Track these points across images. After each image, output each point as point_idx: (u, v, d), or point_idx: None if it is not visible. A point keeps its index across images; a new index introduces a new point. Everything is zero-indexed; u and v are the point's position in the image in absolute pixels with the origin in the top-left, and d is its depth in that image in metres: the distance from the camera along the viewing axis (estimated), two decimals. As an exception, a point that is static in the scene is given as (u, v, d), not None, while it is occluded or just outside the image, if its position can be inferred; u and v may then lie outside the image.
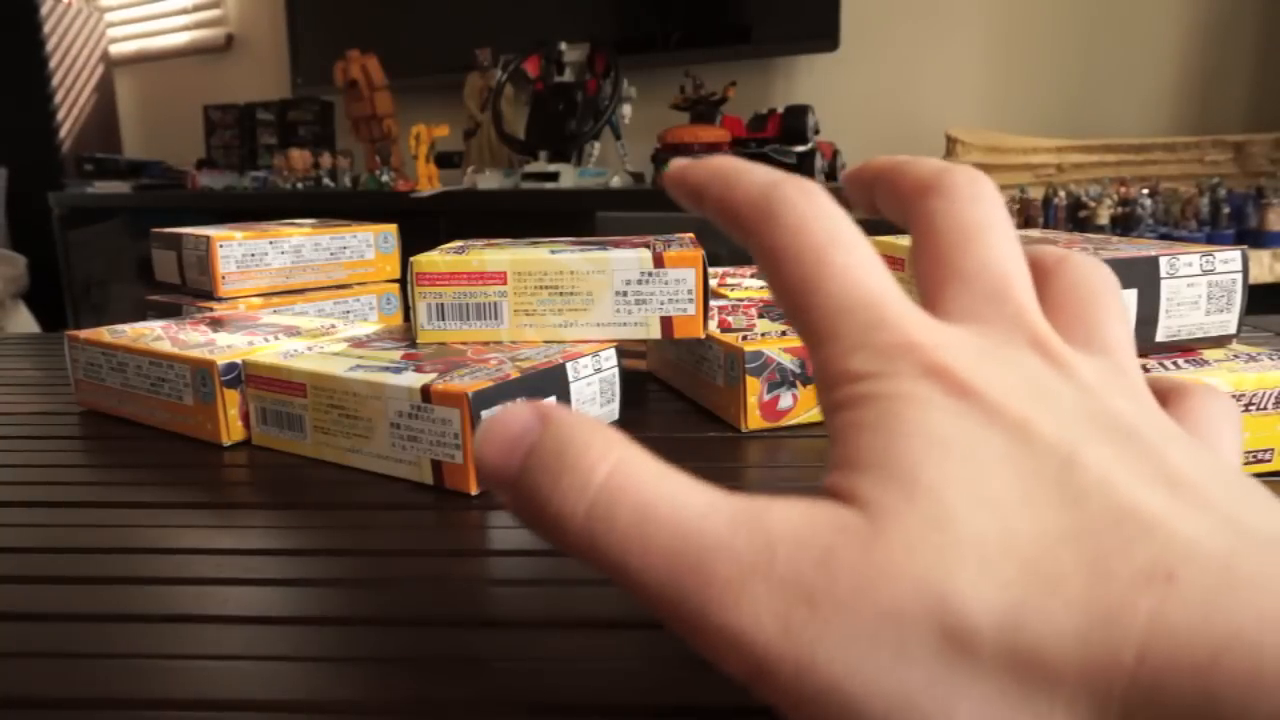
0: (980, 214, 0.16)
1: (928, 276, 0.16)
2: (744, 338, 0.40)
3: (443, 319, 0.40)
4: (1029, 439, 0.13)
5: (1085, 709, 0.11)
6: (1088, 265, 0.18)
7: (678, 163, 0.18)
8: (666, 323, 0.40)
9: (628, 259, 0.39)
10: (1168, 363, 0.34)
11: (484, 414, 0.14)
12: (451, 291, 0.40)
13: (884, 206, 0.18)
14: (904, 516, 0.12)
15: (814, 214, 0.15)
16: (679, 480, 0.13)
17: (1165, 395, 0.17)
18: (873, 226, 0.20)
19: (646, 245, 0.41)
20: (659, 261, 0.39)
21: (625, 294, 0.40)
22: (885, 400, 0.13)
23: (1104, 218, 1.45)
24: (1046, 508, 0.12)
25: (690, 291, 0.40)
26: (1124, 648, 0.11)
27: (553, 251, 0.41)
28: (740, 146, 1.63)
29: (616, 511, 0.13)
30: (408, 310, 0.42)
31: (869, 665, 0.11)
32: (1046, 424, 0.13)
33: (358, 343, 0.41)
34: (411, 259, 0.40)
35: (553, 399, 0.36)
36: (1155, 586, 0.11)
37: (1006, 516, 0.12)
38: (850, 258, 0.15)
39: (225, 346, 0.40)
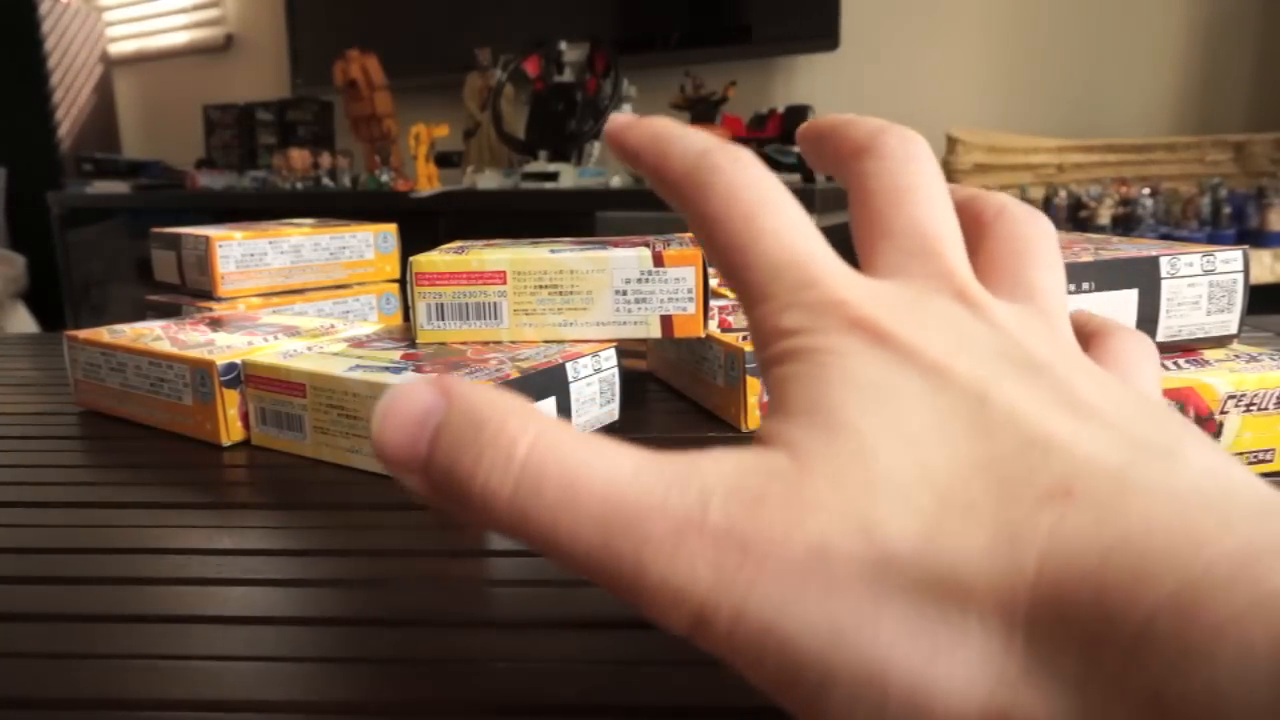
0: (910, 175, 0.17)
1: (862, 235, 0.17)
2: (744, 338, 0.40)
3: (442, 319, 0.40)
4: (945, 379, 0.13)
5: (996, 622, 0.11)
6: (1021, 216, 0.18)
7: (617, 120, 0.18)
8: (666, 321, 0.40)
9: (627, 258, 0.39)
10: (1168, 363, 0.34)
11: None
12: (451, 291, 0.40)
13: (828, 165, 0.19)
14: (828, 456, 0.13)
15: (744, 181, 0.16)
16: (604, 445, 0.13)
17: (1089, 337, 0.19)
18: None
19: (646, 244, 0.41)
20: (659, 260, 0.39)
21: (625, 293, 0.39)
22: (813, 353, 0.14)
23: (1104, 218, 1.45)
24: (960, 441, 0.13)
25: (690, 290, 0.40)
26: (1026, 562, 0.11)
27: (552, 251, 0.41)
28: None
29: (544, 483, 0.13)
30: (407, 310, 0.42)
31: (800, 602, 0.12)
32: (962, 364, 0.14)
33: (357, 343, 0.41)
34: (411, 259, 0.40)
35: (551, 399, 0.36)
36: (1055, 503, 0.12)
37: (923, 451, 0.13)
38: (779, 221, 0.16)
39: (225, 346, 0.40)
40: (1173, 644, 0.10)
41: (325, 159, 2.20)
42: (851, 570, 0.12)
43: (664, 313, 0.40)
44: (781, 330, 0.15)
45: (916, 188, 0.17)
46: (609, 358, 0.39)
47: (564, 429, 0.13)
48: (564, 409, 0.37)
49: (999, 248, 0.18)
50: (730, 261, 0.16)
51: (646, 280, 0.39)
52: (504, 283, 0.40)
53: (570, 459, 0.13)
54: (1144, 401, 0.14)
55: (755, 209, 0.16)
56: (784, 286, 0.15)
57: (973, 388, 0.13)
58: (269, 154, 2.40)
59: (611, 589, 0.13)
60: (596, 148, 1.84)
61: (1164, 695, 0.10)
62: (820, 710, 0.12)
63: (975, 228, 0.18)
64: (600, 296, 0.39)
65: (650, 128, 0.17)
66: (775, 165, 1.57)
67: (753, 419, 0.39)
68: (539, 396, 0.36)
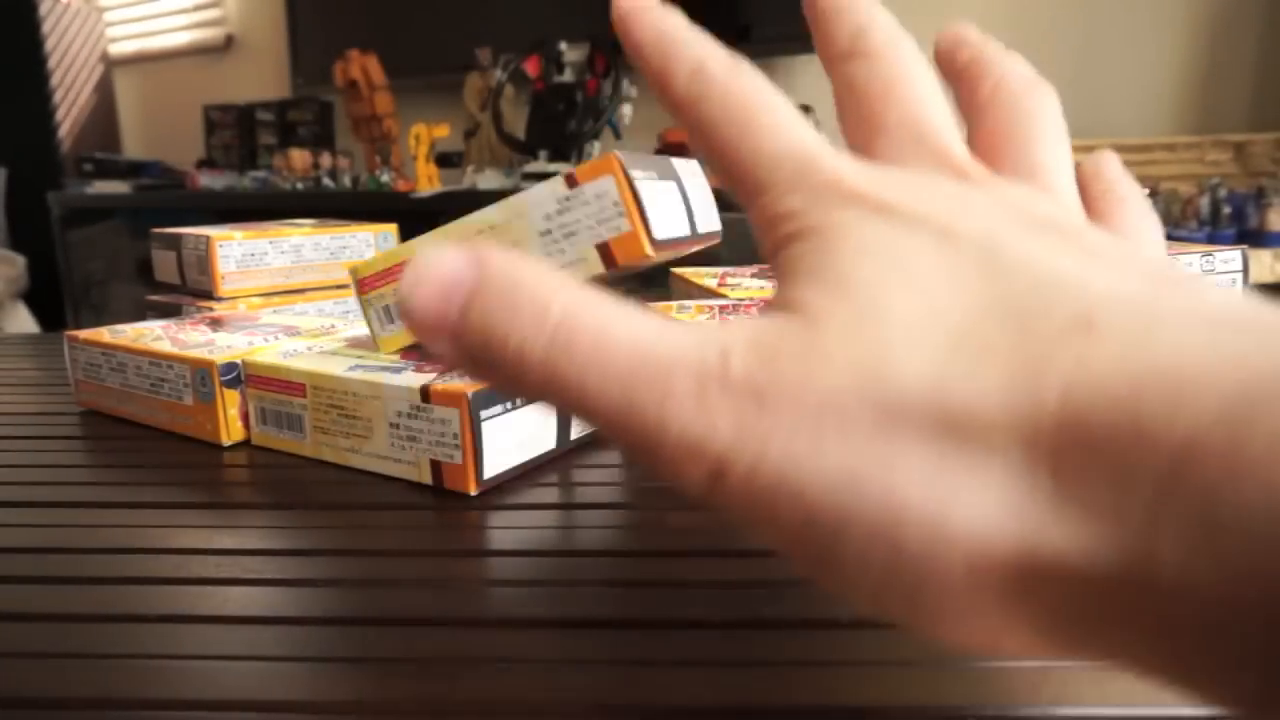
0: (898, 69, 0.17)
1: (854, 134, 0.17)
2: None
3: (394, 320, 0.39)
4: (951, 236, 0.14)
5: (1018, 458, 0.11)
6: (1020, 89, 0.18)
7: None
8: (604, 250, 0.34)
9: (539, 192, 0.35)
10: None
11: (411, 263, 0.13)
12: (394, 289, 0.39)
13: (815, 42, 0.20)
14: (839, 311, 0.13)
15: (739, 86, 0.16)
16: (631, 308, 0.14)
17: (1090, 203, 0.18)
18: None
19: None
20: (571, 181, 0.34)
21: (549, 231, 0.35)
22: (817, 229, 0.14)
23: (1104, 217, 1.45)
24: (973, 285, 0.13)
25: (617, 203, 0.33)
26: (1048, 394, 0.11)
27: (476, 217, 0.38)
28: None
29: (575, 344, 0.13)
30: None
31: (814, 450, 0.12)
32: (967, 223, 0.14)
33: (357, 342, 0.41)
34: (349, 267, 0.39)
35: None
36: (1076, 336, 0.12)
37: (933, 297, 0.13)
38: (775, 118, 0.16)
39: (225, 346, 0.40)
40: (1224, 458, 0.10)
41: (325, 159, 2.20)
42: (866, 416, 0.12)
43: (598, 240, 0.34)
44: (783, 214, 0.15)
45: (905, 81, 0.17)
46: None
47: (594, 293, 0.14)
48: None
49: (999, 124, 0.18)
50: (729, 161, 0.16)
51: (566, 209, 0.34)
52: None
53: (600, 319, 0.13)
54: (1151, 255, 0.14)
55: (751, 111, 0.16)
56: (783, 176, 0.15)
57: (980, 240, 0.13)
58: (269, 154, 2.40)
59: (633, 446, 0.13)
60: (596, 148, 1.84)
61: (1216, 507, 0.10)
62: (835, 561, 0.12)
63: (972, 103, 0.18)
64: (526, 242, 0.35)
65: (653, 26, 0.17)
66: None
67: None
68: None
